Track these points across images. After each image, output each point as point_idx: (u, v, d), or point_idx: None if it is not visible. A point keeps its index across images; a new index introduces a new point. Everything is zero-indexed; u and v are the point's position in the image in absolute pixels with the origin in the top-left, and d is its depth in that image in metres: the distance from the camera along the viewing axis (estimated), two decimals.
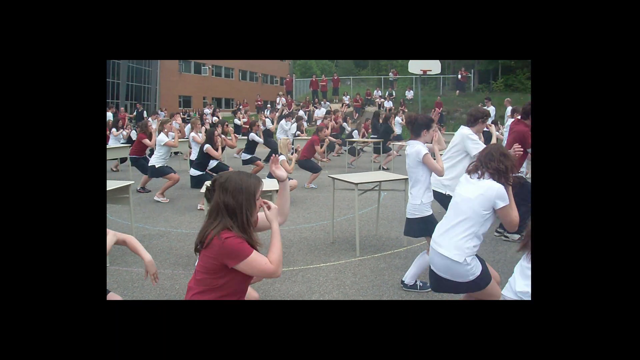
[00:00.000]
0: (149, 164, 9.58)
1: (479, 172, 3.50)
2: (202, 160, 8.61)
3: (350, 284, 5.06)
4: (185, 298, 2.69)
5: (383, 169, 13.43)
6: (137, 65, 39.67)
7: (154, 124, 13.12)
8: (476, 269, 3.41)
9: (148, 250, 6.13)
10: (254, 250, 2.56)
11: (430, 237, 4.70)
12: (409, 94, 28.29)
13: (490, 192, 3.37)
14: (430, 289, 4.85)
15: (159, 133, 9.70)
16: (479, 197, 3.39)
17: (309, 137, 12.10)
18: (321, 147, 10.98)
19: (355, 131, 16.51)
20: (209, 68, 44.87)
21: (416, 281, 4.91)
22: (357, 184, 5.88)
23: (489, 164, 3.46)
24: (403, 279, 4.95)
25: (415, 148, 4.69)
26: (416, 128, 4.77)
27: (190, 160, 9.94)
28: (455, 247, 3.41)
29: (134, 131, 15.03)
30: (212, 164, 8.96)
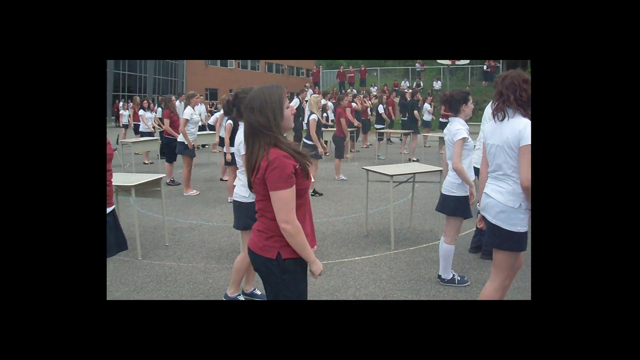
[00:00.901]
0: (178, 140, 9.35)
1: (503, 111, 3.23)
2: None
3: (387, 279, 4.95)
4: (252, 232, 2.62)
5: (412, 160, 13.24)
6: (164, 59, 39.98)
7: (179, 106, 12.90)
8: (525, 225, 3.22)
9: (180, 244, 6.14)
10: (291, 189, 2.39)
11: (462, 217, 4.58)
12: (437, 85, 27.97)
13: (516, 129, 3.11)
14: (468, 283, 4.73)
15: (185, 107, 9.52)
16: (507, 141, 3.15)
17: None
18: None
19: (380, 105, 16.05)
20: (235, 61, 44.98)
21: (453, 275, 4.78)
22: (392, 175, 5.75)
23: (512, 95, 3.18)
24: (440, 274, 4.83)
25: (456, 127, 4.50)
26: (454, 104, 4.60)
27: (221, 137, 9.70)
28: (509, 192, 3.20)
29: (159, 109, 14.89)
30: None
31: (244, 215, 4.12)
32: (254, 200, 2.70)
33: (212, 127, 13.85)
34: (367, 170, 6.29)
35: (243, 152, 3.77)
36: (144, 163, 13.55)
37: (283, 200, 2.37)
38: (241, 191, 4.20)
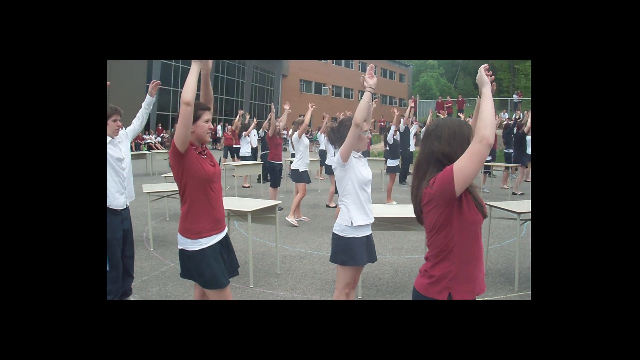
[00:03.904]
0: (292, 167, 9.19)
1: None
2: None
3: None
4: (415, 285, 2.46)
5: (515, 194, 12.64)
6: (260, 84, 41.11)
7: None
8: None
9: (291, 273, 6.03)
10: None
11: None
12: None
13: None
14: None
15: (293, 132, 9.53)
16: None
17: None
18: None
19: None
20: (329, 88, 45.52)
21: None
22: (519, 213, 5.43)
23: None
24: None
25: None
26: None
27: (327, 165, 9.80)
28: None
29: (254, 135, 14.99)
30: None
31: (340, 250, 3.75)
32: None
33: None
34: (491, 206, 5.97)
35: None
36: (243, 187, 13.68)
37: (469, 154, 2.16)
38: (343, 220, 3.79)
